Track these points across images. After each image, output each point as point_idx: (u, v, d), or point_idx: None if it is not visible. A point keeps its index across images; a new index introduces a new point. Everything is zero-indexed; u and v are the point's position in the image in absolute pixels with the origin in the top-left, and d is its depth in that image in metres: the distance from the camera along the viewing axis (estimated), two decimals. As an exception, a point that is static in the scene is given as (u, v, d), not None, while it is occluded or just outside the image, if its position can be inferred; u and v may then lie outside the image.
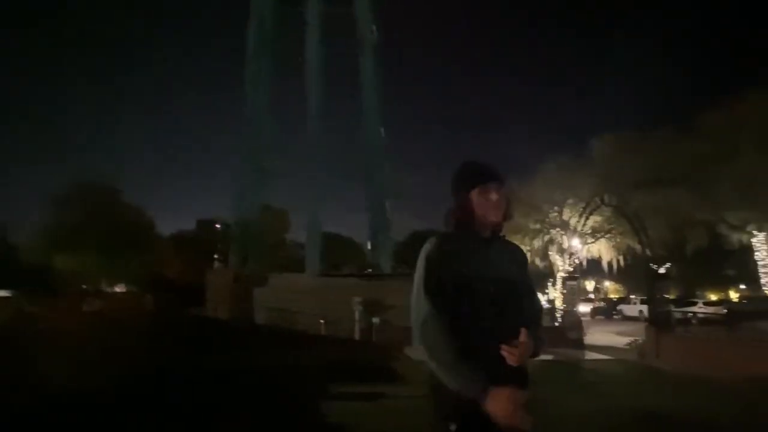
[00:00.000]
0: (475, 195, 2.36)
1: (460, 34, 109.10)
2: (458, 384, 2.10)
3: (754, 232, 19.06)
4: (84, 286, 37.14)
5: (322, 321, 19.45)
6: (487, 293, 2.21)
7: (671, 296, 39.56)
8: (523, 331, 2.14)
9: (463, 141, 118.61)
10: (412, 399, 9.53)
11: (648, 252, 18.36)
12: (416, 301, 2.24)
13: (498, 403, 2.02)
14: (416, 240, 56.21)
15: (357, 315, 19.62)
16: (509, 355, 2.12)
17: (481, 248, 2.30)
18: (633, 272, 32.45)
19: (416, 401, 9.54)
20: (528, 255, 21.74)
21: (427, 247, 2.31)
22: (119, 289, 44.34)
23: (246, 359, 12.82)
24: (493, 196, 2.35)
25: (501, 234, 2.41)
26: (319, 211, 38.70)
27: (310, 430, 7.44)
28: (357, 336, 19.42)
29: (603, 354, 17.57)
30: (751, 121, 18.00)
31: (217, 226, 43.06)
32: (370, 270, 34.93)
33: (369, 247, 41.50)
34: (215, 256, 34.66)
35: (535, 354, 2.24)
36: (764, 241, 19.22)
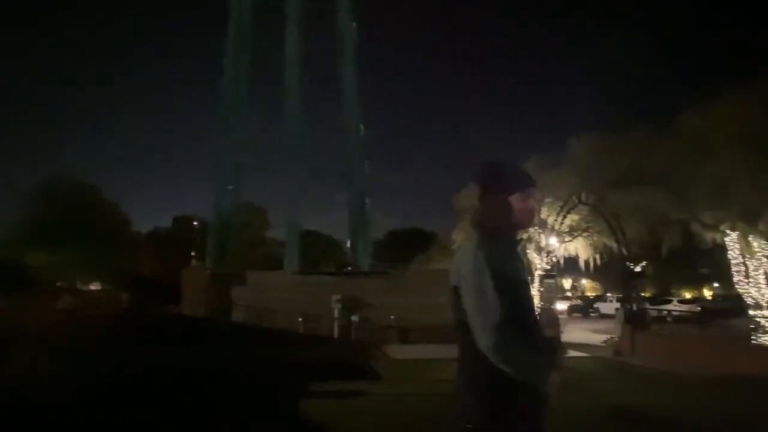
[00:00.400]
0: (515, 199, 2.35)
1: (441, 32, 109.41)
2: (536, 376, 2.14)
3: (727, 232, 19.41)
4: (59, 284, 36.55)
5: (300, 319, 19.36)
6: (530, 299, 2.32)
7: (647, 294, 40.20)
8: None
9: (444, 139, 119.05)
10: (390, 397, 9.56)
11: (624, 250, 18.59)
12: (485, 303, 2.14)
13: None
14: (395, 238, 56.48)
15: (336, 313, 19.58)
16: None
17: (517, 249, 2.37)
18: (610, 270, 32.88)
19: (394, 399, 9.59)
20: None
21: (483, 247, 2.23)
22: (95, 286, 43.73)
23: (223, 358, 12.72)
24: (532, 203, 2.39)
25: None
26: (299, 209, 38.58)
27: (288, 429, 7.40)
28: (336, 334, 19.37)
29: (579, 351, 17.73)
30: (725, 122, 18.31)
31: (195, 223, 42.68)
32: (349, 268, 34.91)
33: (348, 245, 41.49)
34: (192, 253, 34.33)
35: None
36: (736, 241, 19.59)
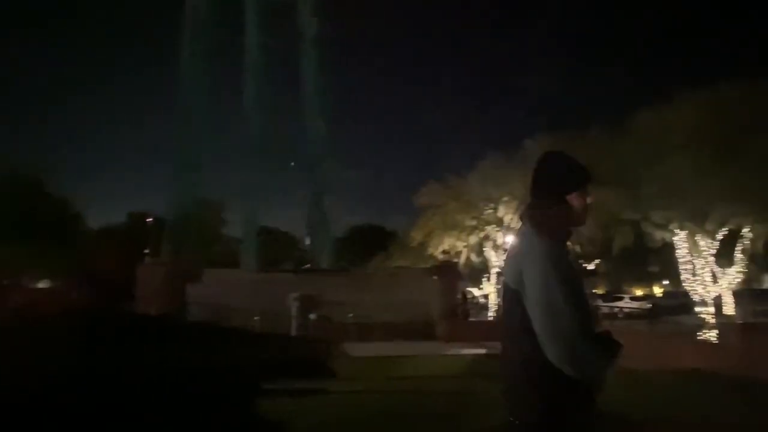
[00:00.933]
0: (574, 198, 2.17)
1: (403, 30, 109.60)
2: (601, 377, 2.12)
3: (676, 231, 20.02)
4: (4, 282, 35.22)
5: (257, 317, 19.16)
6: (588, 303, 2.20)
7: (600, 291, 41.22)
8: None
9: (406, 137, 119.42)
10: (347, 394, 9.55)
11: (578, 249, 19.01)
12: (555, 313, 2.02)
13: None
14: (356, 236, 56.36)
15: (294, 311, 19.45)
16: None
17: (574, 260, 2.21)
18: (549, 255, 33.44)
19: (351, 396, 9.59)
20: (464, 251, 22.19)
21: (551, 256, 2.08)
22: (43, 284, 42.33)
23: (177, 357, 12.48)
24: (590, 200, 2.18)
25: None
26: (257, 206, 38.12)
27: (244, 428, 7.31)
28: (294, 332, 19.25)
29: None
30: (676, 125, 18.87)
31: (149, 219, 41.71)
32: (308, 265, 34.70)
33: (307, 242, 41.23)
34: (146, 250, 33.54)
35: None
36: (685, 239, 20.22)
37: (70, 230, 36.07)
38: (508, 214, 26.06)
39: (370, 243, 46.77)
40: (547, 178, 2.24)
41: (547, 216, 2.13)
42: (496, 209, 27.31)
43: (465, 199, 27.66)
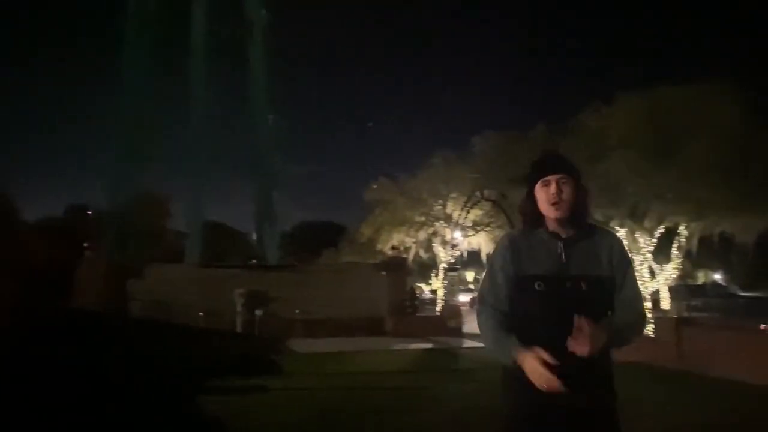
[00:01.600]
0: (538, 189, 2.30)
1: (353, 26, 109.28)
2: (497, 350, 2.24)
3: (617, 228, 20.58)
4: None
5: (201, 314, 18.76)
6: (545, 297, 2.19)
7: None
8: (581, 320, 2.04)
9: (356, 132, 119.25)
10: (292, 391, 9.46)
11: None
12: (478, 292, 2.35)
13: (530, 370, 2.07)
14: (304, 231, 55.95)
15: (239, 307, 19.13)
16: (574, 345, 2.06)
17: (551, 246, 2.25)
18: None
19: (296, 393, 9.49)
20: (413, 247, 22.23)
21: (498, 243, 2.39)
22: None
23: (114, 355, 12.07)
24: (552, 190, 2.26)
25: (582, 228, 2.32)
26: (202, 200, 37.37)
27: (186, 427, 7.13)
28: (239, 329, 18.94)
29: (479, 342, 18.34)
30: (617, 125, 19.38)
31: (89, 212, 40.26)
32: (254, 261, 34.23)
33: (254, 237, 40.73)
34: (85, 244, 32.36)
35: (612, 343, 2.19)
36: (625, 237, 20.83)
37: (1, 224, 34.41)
38: (456, 210, 26.33)
39: (319, 238, 46.49)
40: (577, 171, 2.40)
41: (520, 206, 2.39)
42: (444, 206, 27.54)
43: (414, 196, 27.79)
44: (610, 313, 2.25)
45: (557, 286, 2.19)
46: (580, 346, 2.05)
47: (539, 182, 2.30)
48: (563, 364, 2.06)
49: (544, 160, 2.37)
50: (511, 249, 2.29)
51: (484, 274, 2.39)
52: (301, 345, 16.32)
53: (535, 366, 2.06)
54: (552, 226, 2.30)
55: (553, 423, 2.13)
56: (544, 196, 2.28)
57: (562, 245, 2.24)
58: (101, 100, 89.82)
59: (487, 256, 32.91)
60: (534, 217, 2.31)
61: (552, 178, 2.27)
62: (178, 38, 36.30)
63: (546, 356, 2.06)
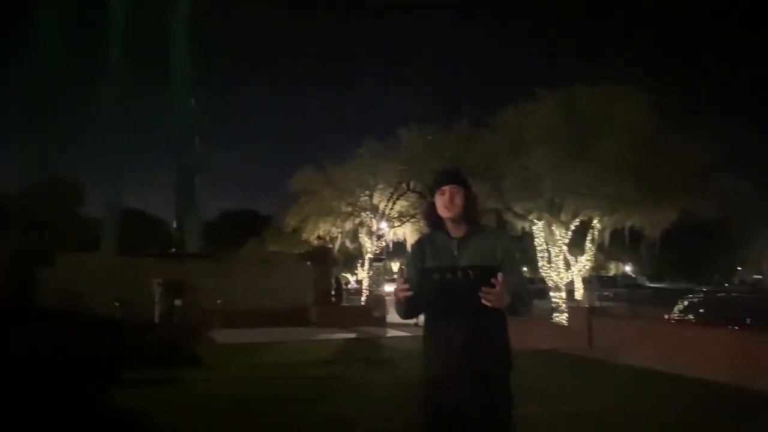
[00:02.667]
0: (437, 197, 2.82)
1: (280, 10, 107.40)
2: (402, 311, 2.82)
3: (535, 221, 21.31)
4: None
5: (117, 303, 18.07)
6: (442, 285, 2.66)
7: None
8: (499, 275, 2.54)
9: (281, 120, 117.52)
10: (210, 382, 9.30)
11: (446, 236, 19.72)
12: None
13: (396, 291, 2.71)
14: (227, 220, 54.77)
15: (157, 297, 18.54)
16: (485, 294, 2.51)
17: (448, 244, 2.76)
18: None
19: (215, 384, 9.31)
20: (339, 237, 22.19)
21: (412, 244, 2.99)
22: None
23: (24, 347, 11.47)
24: (446, 197, 2.78)
25: (473, 228, 2.82)
26: (120, 186, 35.93)
27: (102, 419, 6.89)
28: (156, 319, 18.38)
29: (402, 331, 18.61)
30: (535, 122, 20.03)
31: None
32: (174, 250, 33.25)
33: (175, 225, 39.55)
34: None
35: (514, 310, 2.71)
36: (542, 229, 21.60)
37: None
38: (383, 201, 26.51)
39: (243, 228, 45.61)
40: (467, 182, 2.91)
41: (423, 212, 3.01)
42: (371, 196, 27.66)
43: (341, 186, 27.73)
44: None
45: (451, 276, 2.68)
46: (490, 297, 2.53)
47: (437, 192, 2.82)
48: (455, 337, 2.62)
49: (440, 174, 2.91)
50: (419, 248, 2.86)
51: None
52: (222, 335, 16.04)
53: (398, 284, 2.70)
54: (449, 227, 2.82)
55: (451, 385, 2.67)
56: (440, 202, 2.81)
57: (456, 243, 2.77)
58: (10, 79, 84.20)
59: (412, 247, 33.46)
60: (434, 221, 2.86)
61: (446, 188, 2.80)
62: (94, 16, 34.61)
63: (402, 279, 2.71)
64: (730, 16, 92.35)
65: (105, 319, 17.27)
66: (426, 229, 3.00)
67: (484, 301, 2.53)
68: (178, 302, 18.44)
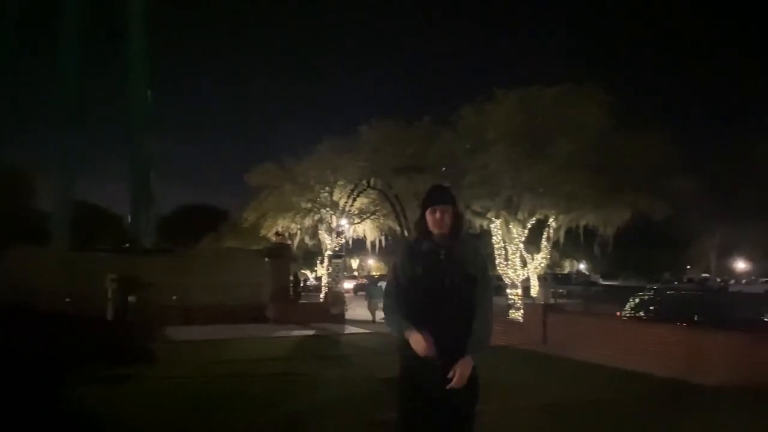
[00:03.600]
0: (428, 214, 3.12)
1: (240, 12, 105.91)
2: (396, 331, 3.01)
3: (493, 219, 21.62)
4: None
5: (68, 300, 17.56)
6: (426, 290, 3.00)
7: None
8: (455, 368, 2.88)
9: (240, 115, 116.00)
10: (166, 380, 9.14)
11: (406, 233, 19.85)
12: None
13: (415, 343, 2.89)
14: (184, 215, 53.69)
15: (110, 293, 18.10)
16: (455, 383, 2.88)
17: (431, 253, 3.07)
18: (393, 251, 34.89)
19: (170, 381, 9.14)
20: (298, 233, 22.00)
21: (399, 250, 3.28)
22: None
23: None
24: (437, 216, 3.08)
25: (456, 240, 3.13)
26: (73, 179, 34.88)
27: (49, 420, 6.69)
28: (110, 316, 17.95)
29: (361, 328, 18.65)
30: (494, 121, 20.32)
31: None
32: (127, 245, 32.49)
33: (129, 220, 38.64)
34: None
35: (480, 346, 3.04)
36: (500, 227, 21.93)
37: None
38: (343, 197, 26.42)
39: (200, 223, 44.76)
40: (454, 200, 3.25)
41: (415, 223, 3.27)
42: (331, 193, 27.56)
43: (301, 182, 27.50)
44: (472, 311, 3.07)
45: (437, 282, 3.02)
46: (457, 385, 2.89)
47: (429, 209, 3.13)
48: (438, 336, 2.89)
49: (433, 194, 3.22)
50: (408, 255, 3.13)
51: (388, 272, 3.26)
52: (178, 332, 15.76)
53: (417, 339, 2.89)
54: (436, 239, 3.12)
55: (428, 379, 2.94)
56: (431, 219, 3.11)
57: (442, 253, 3.07)
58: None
59: (372, 243, 33.55)
60: (424, 233, 3.15)
61: (438, 207, 3.11)
62: (46, 5, 33.47)
63: (425, 336, 2.89)
64: (685, 20, 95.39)
65: (56, 314, 16.77)
66: (411, 238, 3.35)
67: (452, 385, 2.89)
68: (132, 298, 18.06)
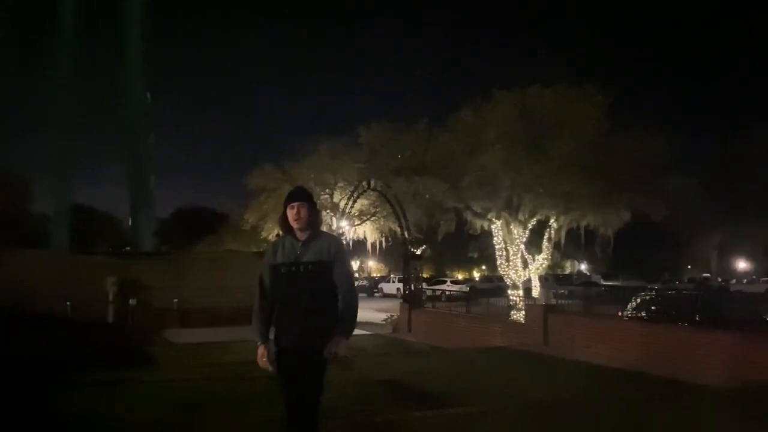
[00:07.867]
0: (288, 210, 3.50)
1: (240, 7, 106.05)
2: (254, 335, 3.53)
3: (493, 220, 21.60)
4: None
5: (68, 303, 17.53)
6: (287, 276, 3.42)
7: (426, 275, 43.51)
8: (329, 348, 3.29)
9: (238, 118, 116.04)
10: (166, 383, 9.11)
11: (407, 234, 19.82)
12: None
13: (258, 356, 3.48)
14: (183, 217, 53.61)
15: (111, 296, 18.07)
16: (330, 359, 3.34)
17: (293, 246, 3.47)
18: (393, 252, 34.84)
19: (170, 384, 9.10)
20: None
21: (265, 251, 3.70)
22: None
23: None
24: (295, 211, 3.47)
25: (313, 234, 3.52)
26: (72, 182, 34.89)
27: (51, 423, 6.67)
28: (110, 319, 17.91)
29: (361, 329, 18.59)
30: (493, 123, 20.31)
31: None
32: (128, 248, 32.48)
33: (129, 223, 38.66)
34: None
35: (350, 327, 3.47)
36: (500, 228, 21.91)
37: None
38: (343, 199, 26.38)
39: (199, 225, 44.66)
40: (311, 198, 3.62)
41: (279, 220, 3.68)
42: (331, 195, 27.52)
43: (300, 184, 27.49)
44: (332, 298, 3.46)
45: (295, 269, 3.43)
46: (333, 360, 3.33)
47: (288, 206, 3.51)
48: (298, 321, 3.37)
49: (291, 193, 3.60)
50: (273, 250, 3.55)
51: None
52: (177, 335, 15.73)
53: (260, 354, 3.46)
54: (296, 233, 3.52)
55: (286, 363, 3.44)
56: (290, 215, 3.50)
57: (299, 245, 3.48)
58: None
59: (372, 245, 33.54)
60: (286, 228, 3.54)
61: (295, 204, 3.49)
62: (45, 10, 33.48)
63: (264, 352, 3.46)
64: (685, 20, 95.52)
65: (56, 318, 16.75)
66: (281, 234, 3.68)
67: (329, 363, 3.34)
68: (132, 302, 18.03)
